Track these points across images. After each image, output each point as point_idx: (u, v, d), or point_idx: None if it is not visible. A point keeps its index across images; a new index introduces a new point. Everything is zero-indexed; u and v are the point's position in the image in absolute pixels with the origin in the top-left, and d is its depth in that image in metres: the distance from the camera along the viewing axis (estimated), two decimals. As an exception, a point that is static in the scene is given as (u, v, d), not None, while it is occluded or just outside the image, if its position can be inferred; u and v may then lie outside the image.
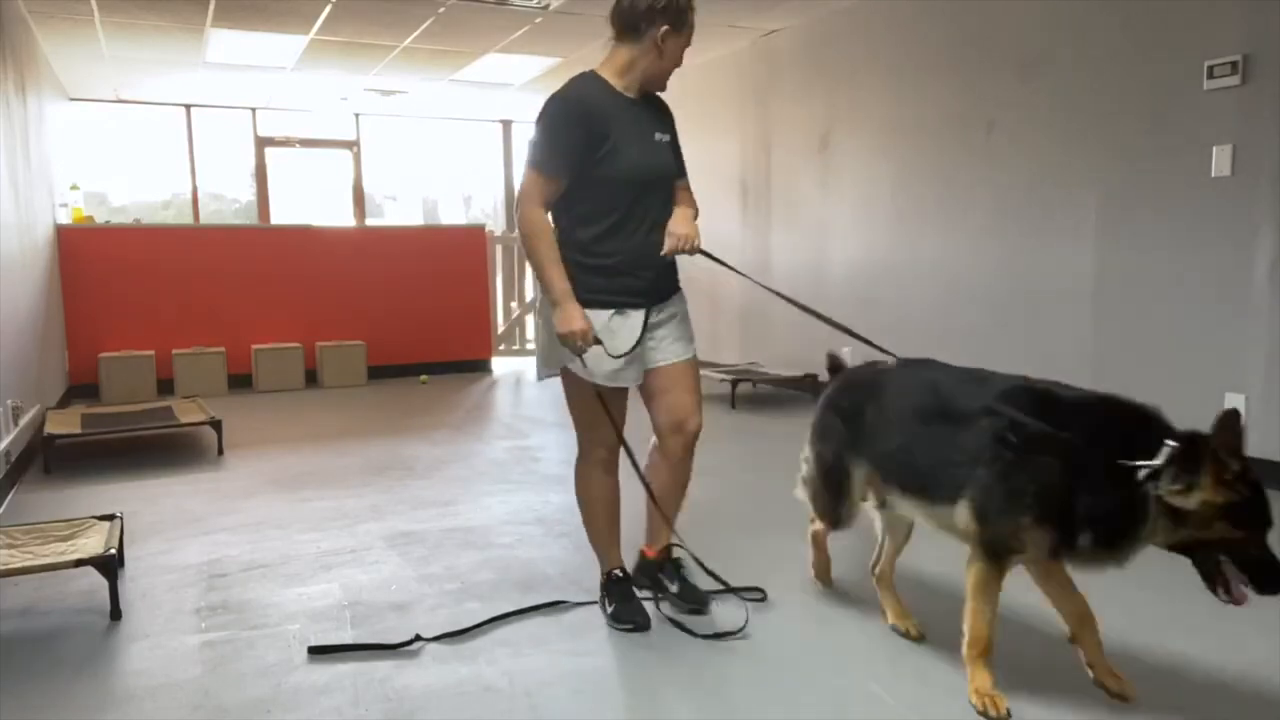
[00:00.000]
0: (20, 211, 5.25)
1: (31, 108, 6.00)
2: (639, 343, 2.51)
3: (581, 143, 2.45)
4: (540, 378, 2.64)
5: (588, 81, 2.54)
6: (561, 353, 2.48)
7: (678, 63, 2.56)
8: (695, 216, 2.62)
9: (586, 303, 2.45)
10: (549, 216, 2.50)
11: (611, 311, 2.49)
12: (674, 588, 2.66)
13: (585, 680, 2.26)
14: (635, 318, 2.52)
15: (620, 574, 2.64)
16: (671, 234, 2.53)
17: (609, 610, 2.59)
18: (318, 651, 2.39)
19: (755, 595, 2.71)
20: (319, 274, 7.76)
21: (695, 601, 2.64)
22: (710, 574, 2.66)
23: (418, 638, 2.47)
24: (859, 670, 2.26)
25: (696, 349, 2.68)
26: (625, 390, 2.57)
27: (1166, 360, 4.27)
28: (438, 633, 2.50)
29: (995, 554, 2.04)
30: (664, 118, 2.64)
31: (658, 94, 2.64)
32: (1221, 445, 1.88)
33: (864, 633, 2.50)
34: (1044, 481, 1.96)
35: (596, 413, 2.55)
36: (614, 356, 2.48)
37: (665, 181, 2.60)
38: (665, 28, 2.49)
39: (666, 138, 2.62)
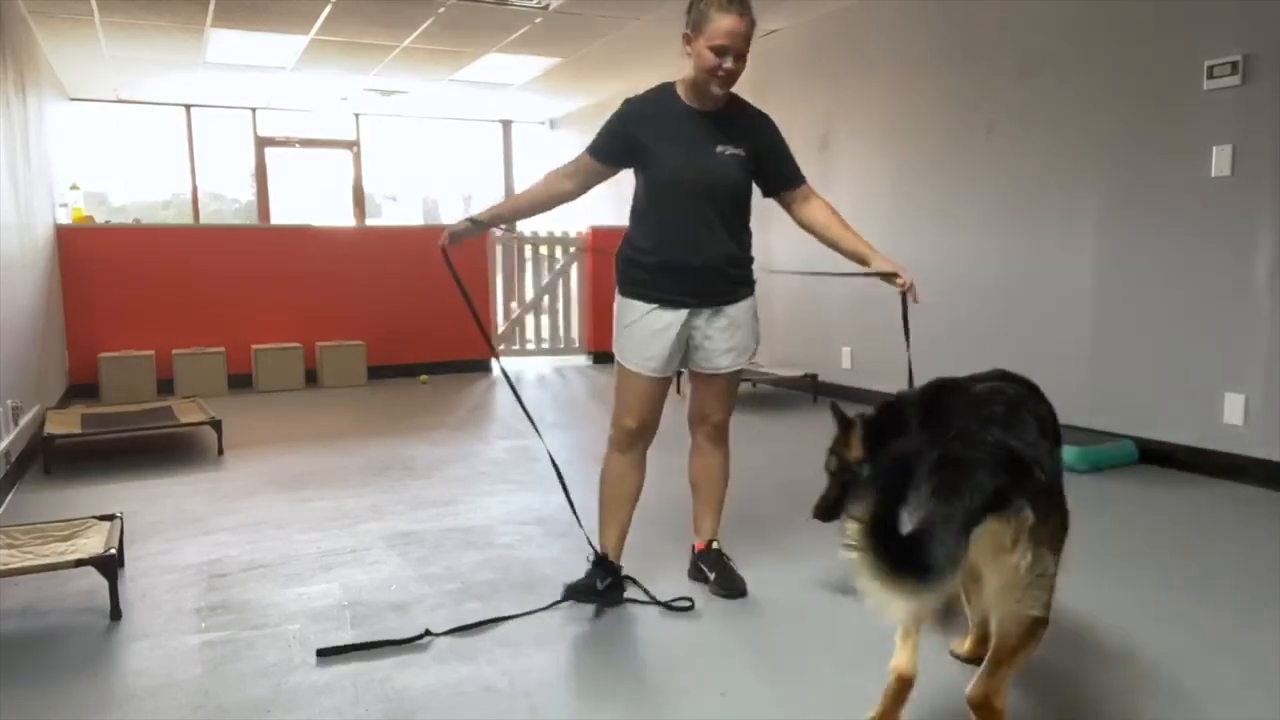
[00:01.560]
0: (20, 211, 5.25)
1: (31, 108, 6.00)
2: (675, 342, 2.67)
3: (621, 139, 2.66)
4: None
5: (658, 90, 2.69)
6: (618, 344, 2.73)
7: (709, 64, 2.50)
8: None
9: (633, 294, 2.70)
10: (579, 191, 2.75)
11: (653, 306, 2.67)
12: (712, 576, 2.80)
13: (585, 680, 2.26)
14: (672, 316, 2.66)
15: (600, 557, 2.72)
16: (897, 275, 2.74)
17: (575, 582, 2.70)
18: (326, 654, 2.39)
19: (684, 604, 2.70)
20: (319, 274, 7.76)
21: (730, 589, 2.76)
22: (647, 592, 2.70)
23: (427, 632, 2.48)
24: (863, 670, 2.26)
25: (749, 356, 2.81)
26: (663, 381, 2.72)
27: (1166, 360, 4.27)
28: (445, 628, 2.50)
29: None
30: (738, 129, 2.66)
31: (742, 107, 2.70)
32: None
33: (865, 631, 2.50)
34: None
35: (624, 399, 2.73)
36: (645, 361, 2.68)
37: (721, 191, 2.65)
38: (687, 32, 2.56)
39: (734, 150, 2.63)
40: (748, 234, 2.77)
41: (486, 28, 6.62)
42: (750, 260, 2.78)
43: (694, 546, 2.90)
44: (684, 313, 2.67)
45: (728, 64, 2.49)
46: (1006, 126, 5.06)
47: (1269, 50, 3.80)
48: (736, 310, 2.73)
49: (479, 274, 8.39)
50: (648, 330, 2.66)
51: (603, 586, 2.67)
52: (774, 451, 4.74)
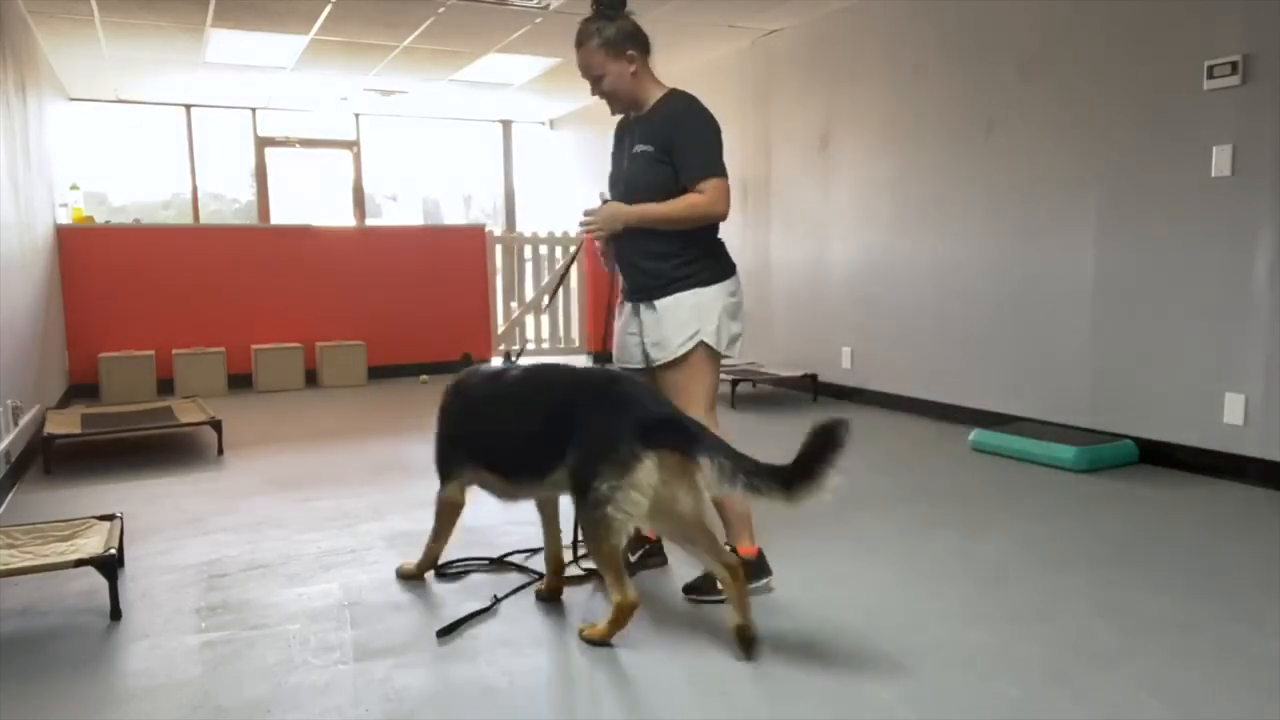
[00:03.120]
0: (20, 211, 5.25)
1: (31, 108, 6.00)
2: (629, 335, 2.88)
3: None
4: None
5: None
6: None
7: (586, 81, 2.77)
8: (648, 214, 2.70)
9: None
10: None
11: (619, 301, 2.95)
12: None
13: (585, 680, 2.26)
14: (627, 310, 2.89)
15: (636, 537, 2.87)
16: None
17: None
18: (446, 632, 2.50)
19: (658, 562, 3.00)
20: (319, 274, 7.76)
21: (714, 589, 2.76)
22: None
23: (495, 598, 2.73)
24: (863, 669, 2.26)
25: (685, 351, 2.72)
26: (638, 374, 2.81)
27: (1166, 360, 4.27)
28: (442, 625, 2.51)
29: None
30: (653, 126, 2.73)
31: (666, 103, 2.76)
32: None
33: (864, 631, 2.50)
34: None
35: None
36: (616, 352, 2.95)
37: (638, 188, 2.74)
38: None
39: (645, 146, 2.72)
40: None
41: (486, 28, 6.62)
42: (679, 254, 2.72)
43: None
44: (629, 306, 2.87)
45: (594, 90, 2.78)
46: (1006, 126, 5.06)
47: (1269, 50, 3.80)
48: (664, 304, 2.75)
49: (479, 274, 8.40)
50: (616, 324, 2.95)
51: (634, 558, 2.92)
52: (773, 452, 4.72)
